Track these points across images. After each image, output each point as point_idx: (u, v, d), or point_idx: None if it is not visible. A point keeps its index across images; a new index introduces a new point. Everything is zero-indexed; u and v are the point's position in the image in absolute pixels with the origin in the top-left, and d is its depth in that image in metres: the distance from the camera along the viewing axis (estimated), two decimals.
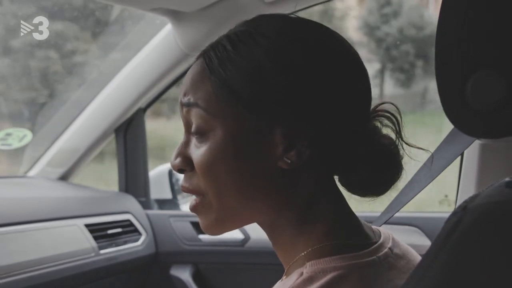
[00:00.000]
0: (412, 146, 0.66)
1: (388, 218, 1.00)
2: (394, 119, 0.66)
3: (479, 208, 0.53)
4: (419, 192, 0.96)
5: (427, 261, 0.53)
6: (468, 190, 1.24)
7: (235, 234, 1.83)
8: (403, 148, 0.66)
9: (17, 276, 1.36)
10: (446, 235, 0.53)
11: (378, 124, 0.66)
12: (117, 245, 1.74)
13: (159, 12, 1.56)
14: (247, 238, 1.80)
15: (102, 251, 1.66)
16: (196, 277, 1.87)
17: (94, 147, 1.99)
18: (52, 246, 1.51)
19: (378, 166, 0.63)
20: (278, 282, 0.66)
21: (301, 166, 0.62)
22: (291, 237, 0.65)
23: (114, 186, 2.09)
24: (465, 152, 1.26)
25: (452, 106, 0.57)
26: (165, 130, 3.84)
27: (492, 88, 0.54)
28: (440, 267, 0.51)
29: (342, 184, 0.66)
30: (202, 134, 0.63)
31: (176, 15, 1.59)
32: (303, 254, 0.63)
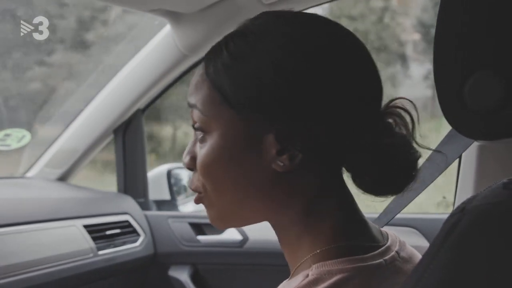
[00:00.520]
0: (421, 146, 0.63)
1: (389, 220, 1.00)
2: (408, 116, 0.63)
3: (477, 209, 0.53)
4: (419, 194, 0.96)
5: (426, 262, 0.53)
6: (466, 192, 1.24)
7: (233, 235, 1.82)
8: (418, 145, 0.63)
9: (16, 277, 1.36)
10: (444, 236, 0.53)
11: (392, 121, 0.63)
12: (115, 246, 1.74)
13: (158, 13, 1.56)
14: (245, 239, 1.80)
15: (100, 252, 1.66)
16: (194, 278, 1.86)
17: (92, 148, 1.99)
18: (50, 247, 1.50)
19: (388, 166, 0.61)
20: (284, 282, 0.66)
21: (298, 168, 0.62)
22: (297, 237, 0.65)
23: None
24: (463, 153, 1.26)
25: (451, 108, 0.58)
26: None
27: (490, 90, 0.54)
28: (438, 268, 0.51)
29: (355, 184, 0.65)
30: (202, 135, 0.65)
31: (175, 16, 1.59)
32: (309, 256, 0.63)
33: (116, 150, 2.02)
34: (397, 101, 0.64)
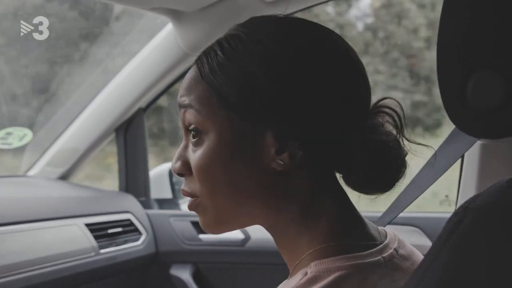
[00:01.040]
0: (412, 142, 0.64)
1: (391, 219, 1.00)
2: (396, 115, 0.64)
3: (480, 209, 0.53)
4: (422, 192, 0.96)
5: (428, 261, 0.53)
6: (469, 191, 1.24)
7: (235, 234, 1.83)
8: (405, 145, 0.64)
9: (17, 276, 1.36)
10: (447, 235, 0.53)
11: (381, 121, 0.64)
12: (117, 245, 1.74)
13: (159, 12, 1.56)
14: (247, 238, 1.80)
15: (102, 251, 1.66)
16: (196, 276, 1.86)
17: (94, 146, 1.99)
18: (52, 246, 1.51)
19: (377, 164, 0.62)
20: (283, 282, 0.66)
21: (295, 167, 0.62)
22: (294, 237, 0.65)
23: None
24: (466, 152, 1.26)
25: (453, 106, 0.58)
26: None
27: (493, 89, 0.54)
28: (440, 267, 0.51)
29: (346, 183, 0.65)
30: (197, 136, 0.64)
31: (176, 15, 1.59)
32: (307, 254, 0.63)
33: (118, 149, 2.03)
34: (385, 101, 0.65)
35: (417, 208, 1.68)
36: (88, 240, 1.63)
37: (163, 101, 2.18)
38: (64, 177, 2.03)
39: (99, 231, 1.70)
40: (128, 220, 1.86)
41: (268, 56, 0.61)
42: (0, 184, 1.82)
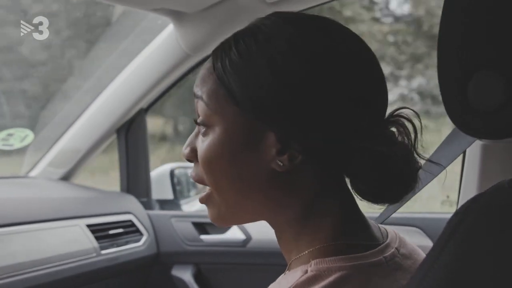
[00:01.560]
0: (422, 158, 0.63)
1: (387, 217, 1.00)
2: (411, 126, 0.63)
3: (481, 209, 0.53)
4: (419, 191, 0.96)
5: (429, 261, 0.53)
6: (470, 191, 1.24)
7: (236, 235, 1.83)
8: (419, 156, 0.63)
9: (19, 276, 1.36)
10: (448, 236, 0.53)
11: (395, 131, 0.63)
12: (118, 246, 1.74)
13: (161, 13, 1.57)
14: (248, 238, 1.80)
15: (103, 252, 1.66)
16: (197, 277, 1.86)
17: (95, 147, 2.00)
18: (53, 246, 1.51)
19: (383, 174, 0.61)
20: (280, 276, 0.66)
21: (298, 168, 0.62)
22: (296, 234, 0.65)
23: None
24: (467, 152, 1.26)
25: (454, 106, 0.58)
26: None
27: (494, 89, 0.54)
28: (442, 268, 0.51)
29: (353, 189, 0.65)
30: (205, 128, 0.65)
31: (178, 16, 1.59)
32: (307, 251, 0.63)
33: (119, 150, 2.03)
34: (401, 110, 0.63)
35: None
36: (89, 241, 1.63)
37: None
38: (66, 178, 2.04)
39: (100, 232, 1.70)
40: (130, 221, 1.86)
41: (279, 59, 0.60)
42: (2, 184, 1.82)
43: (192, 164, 0.70)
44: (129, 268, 1.80)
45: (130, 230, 1.84)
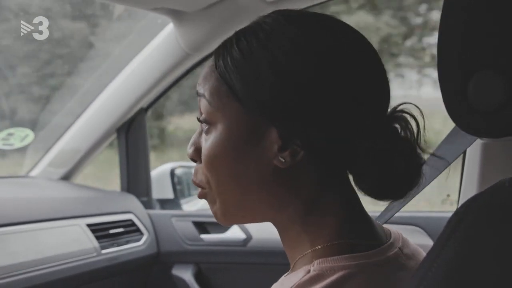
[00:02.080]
0: (426, 153, 0.63)
1: (390, 217, 1.00)
2: (414, 122, 0.62)
3: (481, 208, 0.53)
4: (422, 189, 0.96)
5: (430, 260, 0.53)
6: (470, 190, 1.24)
7: (237, 234, 1.83)
8: (422, 151, 0.62)
9: (19, 276, 1.36)
10: (448, 235, 0.53)
11: (397, 126, 0.62)
12: (119, 245, 1.74)
13: (161, 12, 1.57)
14: (249, 238, 1.80)
15: (104, 251, 1.66)
16: (198, 277, 1.87)
17: (96, 147, 1.99)
18: (54, 246, 1.51)
19: (390, 170, 0.60)
20: (283, 277, 0.66)
21: (300, 165, 0.62)
22: (298, 233, 0.65)
23: None
24: (467, 151, 1.26)
25: (454, 106, 0.58)
26: None
27: (494, 88, 0.54)
28: (442, 266, 0.51)
29: (356, 185, 0.64)
30: (208, 126, 0.65)
31: (178, 15, 1.59)
32: (310, 251, 0.63)
33: (119, 149, 2.03)
34: (404, 106, 0.63)
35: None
36: (89, 240, 1.63)
37: None
38: (66, 177, 2.04)
39: (100, 231, 1.70)
40: (130, 220, 1.86)
41: (281, 57, 0.60)
42: (2, 184, 1.82)
43: (194, 164, 0.70)
44: (130, 268, 1.80)
45: (130, 229, 1.84)
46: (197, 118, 0.68)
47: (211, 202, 0.68)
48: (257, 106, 0.61)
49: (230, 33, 0.67)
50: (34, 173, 2.03)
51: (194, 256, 1.88)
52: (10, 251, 1.38)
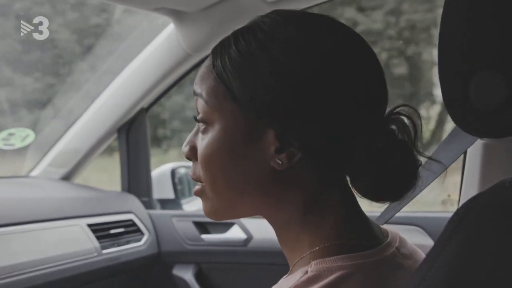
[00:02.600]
0: (423, 156, 0.63)
1: (390, 217, 1.00)
2: (411, 124, 0.62)
3: (482, 208, 0.53)
4: (421, 191, 0.96)
5: (430, 260, 0.53)
6: (471, 190, 1.24)
7: (238, 234, 1.83)
8: (419, 153, 0.62)
9: (20, 276, 1.36)
10: (449, 235, 0.53)
11: (394, 128, 0.62)
12: (119, 245, 1.74)
13: (161, 12, 1.57)
14: (249, 238, 1.80)
15: (104, 251, 1.66)
16: (198, 277, 1.87)
17: (96, 147, 2.00)
18: (54, 246, 1.51)
19: (386, 172, 0.60)
20: (282, 279, 0.66)
21: (297, 166, 0.62)
22: (295, 235, 0.65)
23: None
24: (468, 151, 1.26)
25: (455, 105, 0.58)
26: None
27: (495, 88, 0.54)
28: (442, 267, 0.51)
29: (353, 187, 0.65)
30: (204, 125, 0.65)
31: (178, 15, 1.59)
32: (308, 253, 0.63)
33: (120, 149, 2.03)
34: (401, 108, 0.63)
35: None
36: (90, 240, 1.63)
37: None
38: (67, 177, 2.04)
39: (101, 231, 1.70)
40: (131, 220, 1.86)
41: (279, 57, 0.60)
42: (3, 184, 1.83)
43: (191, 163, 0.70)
44: (130, 268, 1.80)
45: (131, 229, 1.84)
46: (193, 117, 0.68)
47: (205, 199, 0.68)
48: (254, 107, 0.61)
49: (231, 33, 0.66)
50: (34, 173, 2.03)
51: (194, 256, 1.88)
52: (11, 251, 1.38)
